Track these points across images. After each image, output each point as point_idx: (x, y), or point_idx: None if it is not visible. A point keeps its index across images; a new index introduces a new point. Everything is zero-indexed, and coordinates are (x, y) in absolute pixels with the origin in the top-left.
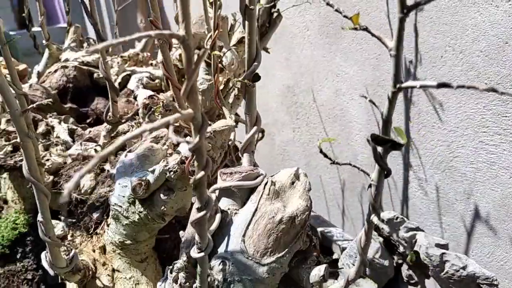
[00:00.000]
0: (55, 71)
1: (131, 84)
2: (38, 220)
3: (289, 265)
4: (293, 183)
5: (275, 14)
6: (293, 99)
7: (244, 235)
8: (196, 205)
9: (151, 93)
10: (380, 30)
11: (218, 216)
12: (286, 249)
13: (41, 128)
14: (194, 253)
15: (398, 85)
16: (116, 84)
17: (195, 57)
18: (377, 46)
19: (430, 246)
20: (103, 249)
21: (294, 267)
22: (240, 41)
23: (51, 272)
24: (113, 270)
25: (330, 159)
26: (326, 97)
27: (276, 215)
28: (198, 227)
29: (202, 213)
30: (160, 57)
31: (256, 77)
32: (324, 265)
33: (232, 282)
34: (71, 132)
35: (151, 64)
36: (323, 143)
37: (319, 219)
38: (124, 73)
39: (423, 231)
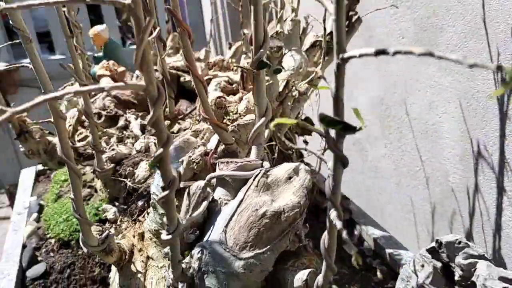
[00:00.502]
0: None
1: (210, 88)
2: (70, 198)
3: (276, 266)
4: (290, 178)
5: (354, 18)
6: (386, 112)
7: (226, 226)
8: (161, 183)
9: (220, 94)
10: (475, 36)
11: (204, 204)
12: (268, 246)
13: (121, 122)
14: (164, 235)
15: (341, 55)
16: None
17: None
18: (472, 54)
19: (490, 277)
20: (141, 236)
21: (281, 268)
22: (313, 45)
23: (85, 250)
24: (147, 257)
25: None
26: (419, 110)
27: (260, 208)
28: (165, 207)
29: (165, 192)
30: (242, 60)
31: (262, 65)
32: (309, 270)
33: (206, 272)
34: (143, 127)
35: (232, 69)
36: (412, 161)
37: (391, 239)
38: (206, 77)
39: (489, 260)
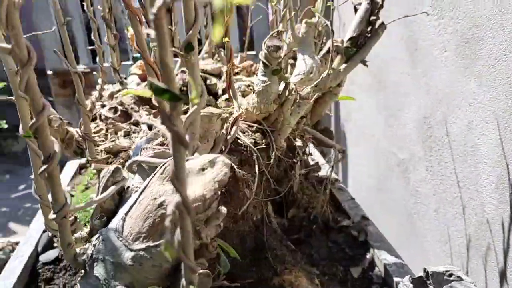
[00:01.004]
0: (176, 74)
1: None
2: (31, 177)
3: (175, 263)
4: (203, 169)
5: (377, 23)
6: (428, 131)
7: (126, 213)
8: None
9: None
10: None
11: (112, 188)
12: (162, 240)
13: (134, 118)
14: (50, 214)
15: None
16: (220, 91)
17: None
18: (511, 68)
19: None
20: None
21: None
22: (329, 51)
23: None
24: None
25: None
26: (458, 130)
27: (159, 198)
28: (49, 183)
29: (44, 166)
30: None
31: (188, 47)
32: (202, 271)
33: (96, 260)
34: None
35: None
36: (451, 187)
37: (403, 268)
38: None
39: None
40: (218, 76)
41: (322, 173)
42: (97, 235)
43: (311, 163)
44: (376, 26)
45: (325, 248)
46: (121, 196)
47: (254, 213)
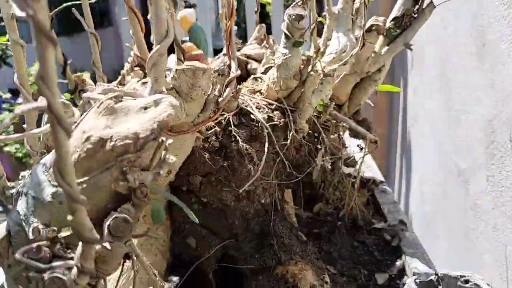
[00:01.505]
0: (218, 57)
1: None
2: None
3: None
4: (146, 108)
5: (425, 2)
6: (491, 136)
7: None
8: None
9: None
10: None
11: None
12: (86, 178)
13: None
14: None
15: None
16: (259, 73)
17: None
18: None
19: None
20: None
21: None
22: (370, 29)
23: None
24: None
25: None
26: None
27: (88, 131)
28: None
29: None
30: None
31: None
32: (119, 215)
33: (20, 194)
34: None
35: None
36: (511, 197)
37: None
38: (268, 65)
39: None
40: (260, 61)
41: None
42: (29, 170)
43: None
44: (424, 5)
45: (348, 248)
46: None
47: (262, 196)
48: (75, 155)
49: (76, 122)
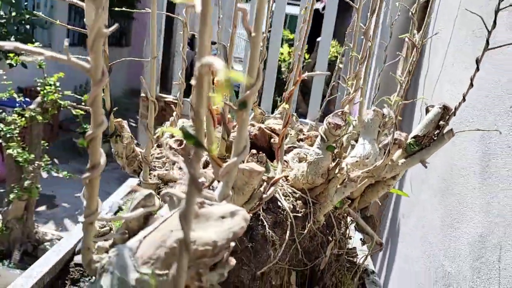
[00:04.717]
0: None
1: (289, 156)
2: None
3: None
4: (223, 217)
5: (446, 129)
6: (480, 251)
7: (144, 237)
8: (88, 165)
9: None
10: None
11: (140, 210)
12: (167, 271)
13: None
14: (81, 217)
15: None
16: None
17: None
18: None
19: None
20: None
21: None
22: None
23: None
24: None
25: None
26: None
27: (174, 231)
28: (88, 188)
29: (87, 174)
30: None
31: (242, 105)
32: None
33: (106, 270)
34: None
35: None
36: None
37: None
38: (290, 145)
39: None
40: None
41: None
42: (114, 249)
43: (350, 247)
44: (444, 131)
45: None
46: (147, 220)
47: (274, 278)
48: (161, 249)
49: (160, 214)
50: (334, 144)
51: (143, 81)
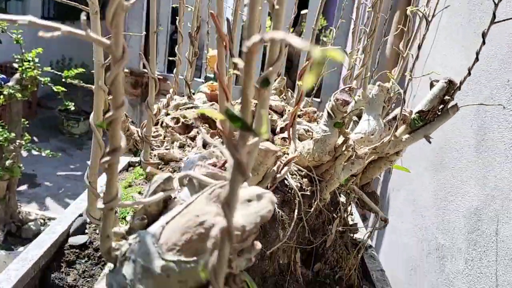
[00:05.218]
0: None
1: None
2: (88, 163)
3: None
4: (249, 201)
5: (450, 103)
6: (476, 224)
7: (167, 222)
8: (107, 148)
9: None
10: None
11: (160, 194)
12: (194, 258)
13: (193, 132)
14: (99, 203)
15: None
16: (278, 129)
17: None
18: None
19: None
20: None
21: None
22: (395, 117)
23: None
24: None
25: None
26: (510, 232)
27: (201, 216)
28: (107, 173)
29: (106, 158)
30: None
31: (264, 83)
32: None
33: (128, 258)
34: (205, 142)
35: (317, 122)
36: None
37: None
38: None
39: None
40: (280, 114)
41: (358, 236)
42: (135, 235)
43: (350, 223)
44: (449, 106)
45: None
46: (166, 204)
47: (281, 257)
48: (187, 235)
49: (181, 198)
50: (341, 121)
51: (143, 58)
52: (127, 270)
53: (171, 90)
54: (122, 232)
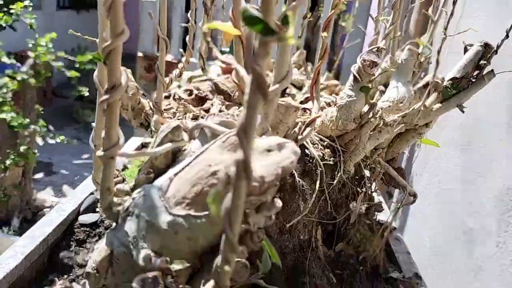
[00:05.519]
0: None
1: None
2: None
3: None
4: (269, 150)
5: (486, 69)
6: (508, 204)
7: (176, 174)
8: (106, 86)
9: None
10: None
11: (168, 145)
12: (205, 213)
13: (206, 105)
14: (99, 151)
15: None
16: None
17: None
18: None
19: None
20: None
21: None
22: (426, 85)
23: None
24: None
25: None
26: None
27: (214, 165)
28: (106, 115)
29: (105, 96)
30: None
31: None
32: (240, 260)
33: (131, 214)
34: (220, 111)
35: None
36: None
37: None
38: (308, 95)
39: None
40: (299, 88)
41: (381, 217)
42: (139, 189)
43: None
44: (484, 72)
45: None
46: (175, 157)
47: (302, 232)
48: (198, 187)
49: (192, 150)
50: (368, 85)
51: (151, 15)
52: (130, 226)
53: (183, 59)
54: (126, 190)
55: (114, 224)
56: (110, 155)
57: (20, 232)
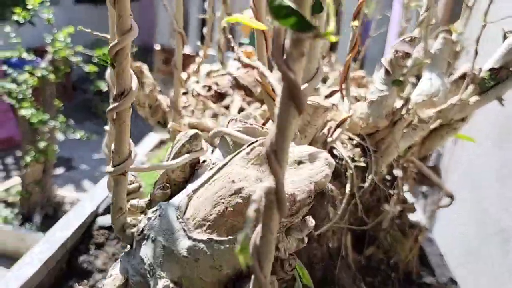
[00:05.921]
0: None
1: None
2: (106, 128)
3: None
4: (300, 163)
5: None
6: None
7: (195, 191)
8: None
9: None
10: None
11: (185, 156)
12: (230, 237)
13: (226, 101)
14: (108, 167)
15: None
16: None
17: None
18: None
19: None
20: None
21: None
22: (463, 76)
23: None
24: None
25: None
26: None
27: (238, 182)
28: (116, 125)
29: (115, 104)
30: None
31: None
32: None
33: (146, 237)
34: (241, 110)
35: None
36: None
37: None
38: (333, 88)
39: None
40: (323, 80)
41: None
42: (155, 208)
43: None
44: None
45: None
46: (194, 169)
47: (331, 240)
48: (220, 207)
49: (212, 162)
50: (401, 78)
51: (165, 6)
52: (146, 252)
53: (201, 52)
54: (142, 206)
55: (128, 247)
56: (121, 171)
57: (42, 228)
